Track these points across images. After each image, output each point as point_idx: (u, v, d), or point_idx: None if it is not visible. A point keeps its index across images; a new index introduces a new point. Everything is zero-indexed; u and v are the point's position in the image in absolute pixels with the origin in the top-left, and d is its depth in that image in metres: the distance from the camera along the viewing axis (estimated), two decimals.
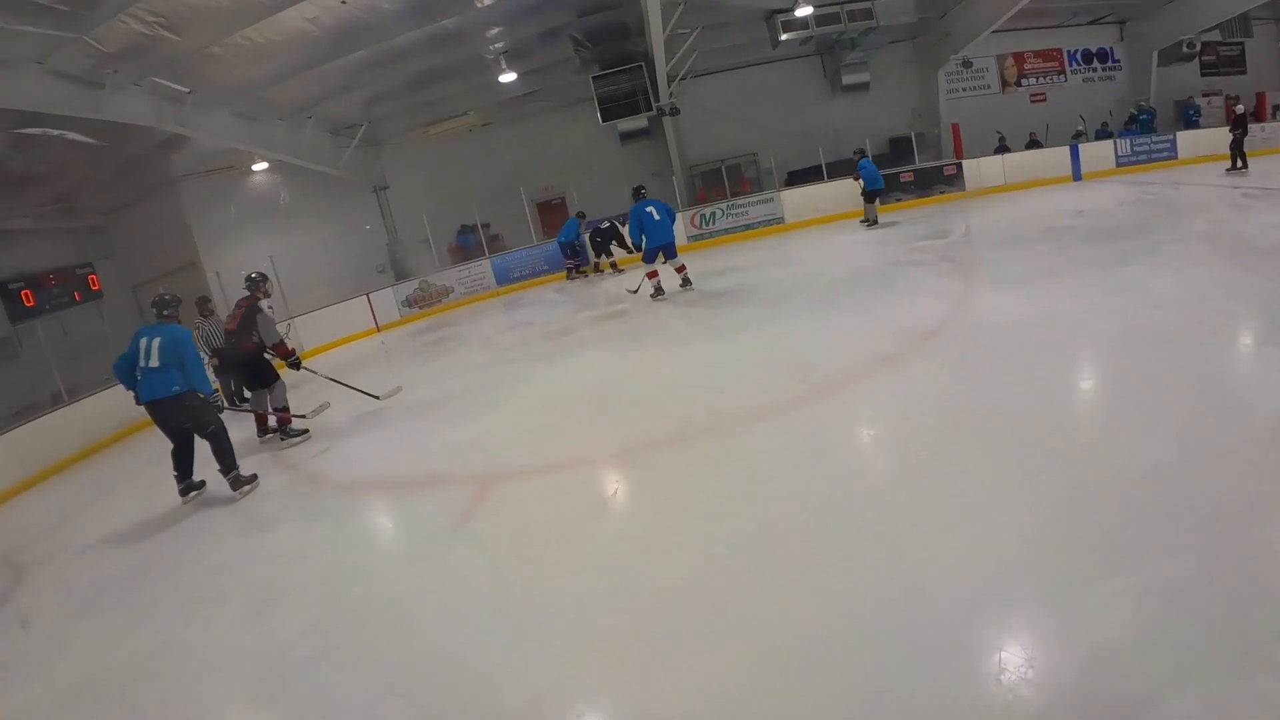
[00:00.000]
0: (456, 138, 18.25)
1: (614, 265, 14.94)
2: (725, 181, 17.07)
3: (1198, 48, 17.56)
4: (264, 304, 7.07)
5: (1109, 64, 18.70)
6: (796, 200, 15.42)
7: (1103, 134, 17.25)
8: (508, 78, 14.63)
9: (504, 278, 15.71)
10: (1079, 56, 18.58)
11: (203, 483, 5.84)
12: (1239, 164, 13.45)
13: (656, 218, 9.95)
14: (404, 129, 17.80)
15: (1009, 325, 5.84)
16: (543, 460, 5.06)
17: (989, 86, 18.37)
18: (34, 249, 15.48)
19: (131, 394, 5.58)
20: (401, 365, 10.31)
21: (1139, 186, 13.04)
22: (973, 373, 4.96)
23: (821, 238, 13.71)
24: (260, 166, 16.73)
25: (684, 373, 6.53)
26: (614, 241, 14.62)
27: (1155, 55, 17.94)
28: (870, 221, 13.62)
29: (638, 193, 10.39)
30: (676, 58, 14.64)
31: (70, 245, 16.57)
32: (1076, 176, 15.48)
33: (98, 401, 9.60)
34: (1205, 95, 18.61)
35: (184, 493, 5.75)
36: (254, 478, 5.79)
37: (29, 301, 15.02)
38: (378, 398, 7.36)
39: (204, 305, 9.18)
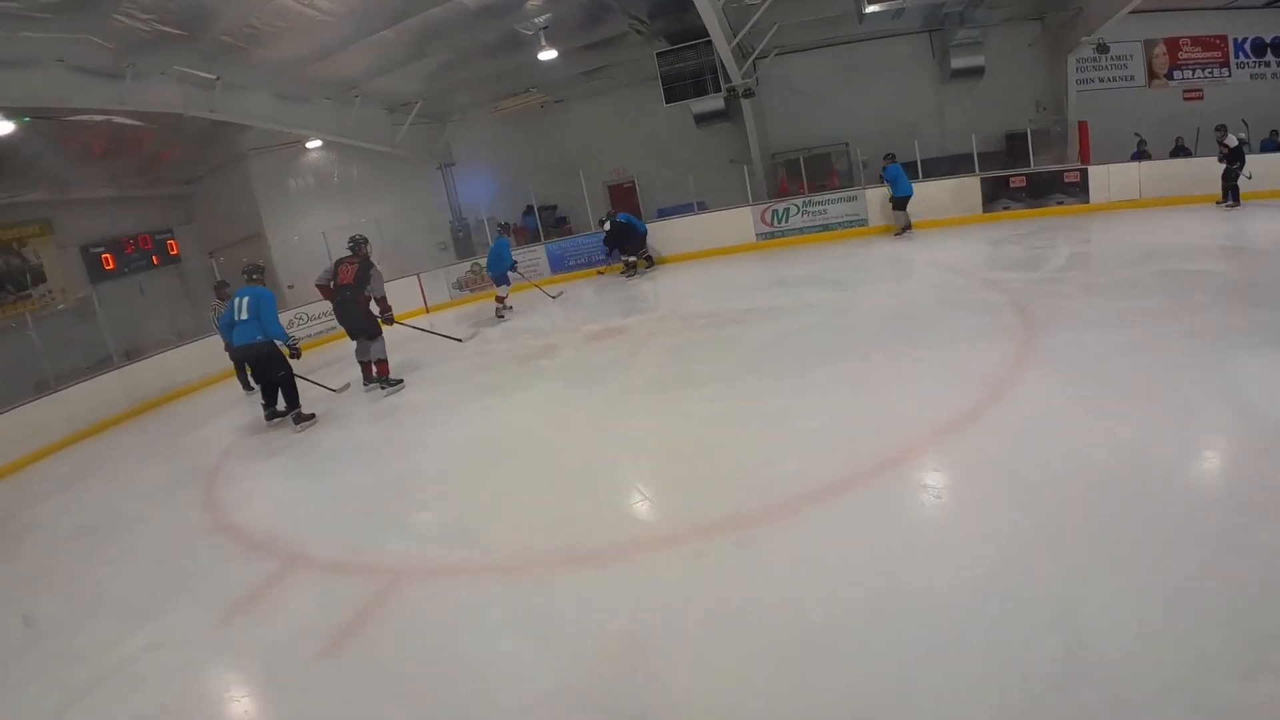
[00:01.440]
0: (526, 115, 17.47)
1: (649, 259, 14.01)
2: (803, 173, 15.35)
3: None
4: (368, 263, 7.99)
5: None
6: (883, 200, 13.62)
7: (1270, 144, 14.44)
8: (548, 55, 13.50)
9: (558, 264, 14.79)
10: (1248, 47, 15.59)
11: (285, 412, 7.40)
12: (1229, 200, 11.62)
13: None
14: (468, 104, 17.12)
15: (1025, 457, 3.94)
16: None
17: (1132, 78, 15.69)
18: (121, 216, 16.12)
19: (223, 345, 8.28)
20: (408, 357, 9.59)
21: None
22: (917, 541, 3.35)
23: (895, 250, 11.96)
24: (315, 144, 16.50)
25: (612, 441, 5.36)
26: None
27: None
28: (904, 228, 12.84)
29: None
30: (745, 31, 13.08)
31: (155, 211, 17.07)
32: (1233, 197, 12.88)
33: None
34: None
35: (269, 418, 7.43)
36: (313, 416, 7.32)
37: (109, 264, 15.58)
38: (460, 340, 9.45)
39: (222, 289, 9.68)
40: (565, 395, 6.88)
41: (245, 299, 7.01)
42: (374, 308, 7.98)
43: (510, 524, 4.19)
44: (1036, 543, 3.08)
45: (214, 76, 11.78)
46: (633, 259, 13.63)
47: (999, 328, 6.47)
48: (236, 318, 7.02)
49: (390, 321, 8.07)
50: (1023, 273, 8.95)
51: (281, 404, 7.42)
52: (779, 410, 5.23)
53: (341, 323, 8.23)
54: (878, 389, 5.39)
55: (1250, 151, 13.36)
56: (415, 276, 14.55)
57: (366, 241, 8.19)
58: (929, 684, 2.40)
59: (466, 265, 14.89)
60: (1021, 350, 5.73)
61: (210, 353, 10.71)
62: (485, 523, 4.31)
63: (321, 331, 12.59)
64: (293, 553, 4.29)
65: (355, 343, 8.21)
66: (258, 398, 9.06)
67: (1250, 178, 11.62)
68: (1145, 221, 11.58)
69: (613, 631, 2.99)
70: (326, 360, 10.56)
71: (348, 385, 8.21)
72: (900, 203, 12.83)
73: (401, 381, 8.15)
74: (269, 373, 7.23)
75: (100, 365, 10.54)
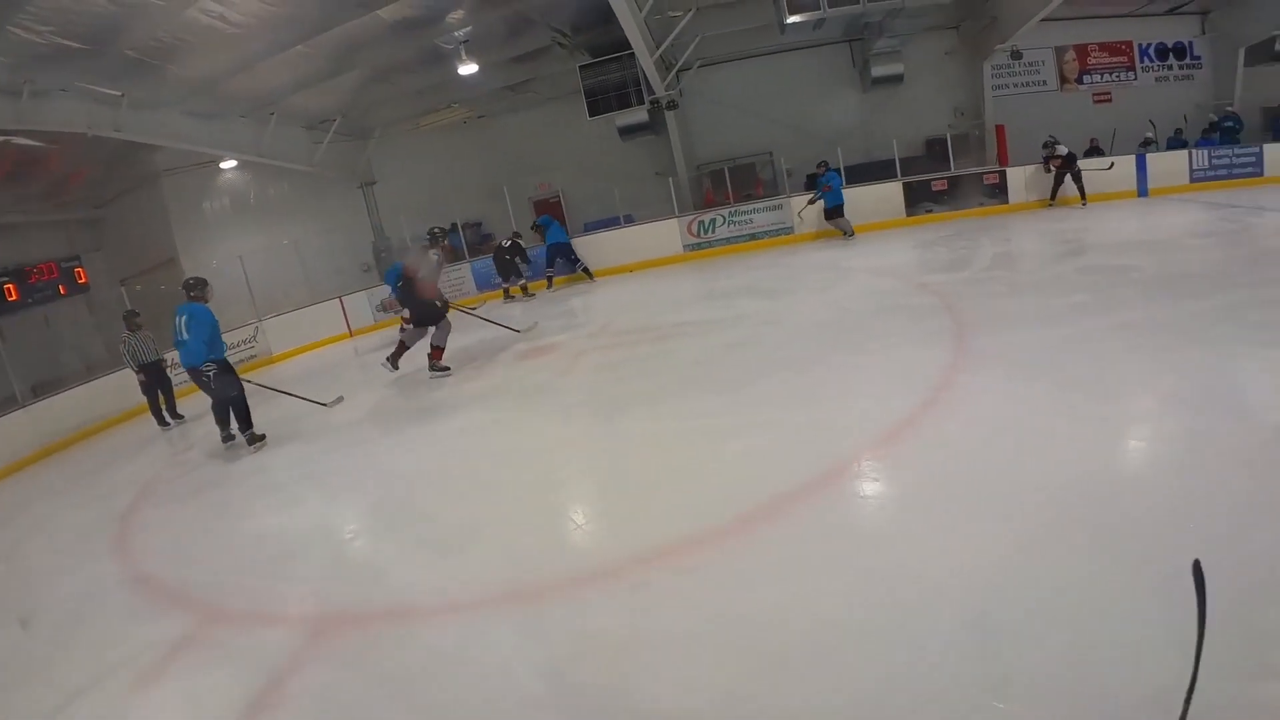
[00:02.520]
0: (450, 130, 17.12)
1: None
2: (729, 184, 15.36)
3: None
4: (434, 254, 8.34)
5: (1188, 61, 16.18)
6: (807, 208, 13.69)
7: (1176, 143, 14.98)
8: (469, 69, 13.24)
9: (484, 283, 14.51)
10: (1153, 52, 16.17)
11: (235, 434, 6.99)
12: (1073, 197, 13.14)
13: None
14: (389, 120, 16.72)
15: (979, 463, 3.76)
16: None
17: (1045, 83, 16.10)
18: (25, 242, 15.22)
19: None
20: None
21: (1216, 210, 10.82)
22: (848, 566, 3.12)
23: (825, 256, 11.97)
24: (230, 164, 15.92)
25: (547, 468, 5.01)
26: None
27: (1242, 53, 15.40)
28: (848, 233, 13.25)
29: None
30: (668, 43, 13.07)
31: (61, 237, 16.24)
32: (1142, 193, 13.31)
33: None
34: None
35: (225, 440, 7.02)
36: (263, 437, 6.87)
37: (12, 295, 14.76)
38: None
39: (132, 320, 9.09)
40: (498, 420, 6.50)
41: (183, 317, 6.64)
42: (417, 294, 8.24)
43: (441, 564, 3.88)
44: (1014, 549, 2.92)
45: (119, 94, 11.24)
46: (521, 282, 13.77)
47: (934, 331, 6.36)
48: (179, 338, 6.68)
49: (445, 308, 8.33)
50: (951, 274, 9.01)
51: (234, 427, 6.97)
52: (717, 429, 5.00)
53: (404, 306, 8.82)
54: (817, 401, 5.20)
55: (1158, 148, 14.07)
56: (338, 299, 14.13)
57: (444, 234, 8.83)
58: (899, 705, 2.25)
59: (389, 287, 14.49)
60: (958, 353, 5.66)
61: (125, 386, 10.02)
62: (415, 564, 3.97)
63: (242, 360, 12.09)
64: (209, 606, 3.93)
65: (401, 330, 8.94)
66: (176, 432, 8.84)
67: (1110, 167, 13.06)
68: (1063, 219, 11.92)
69: (551, 671, 2.76)
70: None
71: (340, 398, 7.99)
72: (833, 212, 13.05)
73: (449, 369, 8.29)
74: (219, 394, 6.80)
75: (4, 404, 9.77)
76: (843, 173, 13.61)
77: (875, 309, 7.87)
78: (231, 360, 9.88)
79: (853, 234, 13.20)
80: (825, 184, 13.07)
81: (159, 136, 12.93)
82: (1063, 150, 13.06)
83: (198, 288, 6.89)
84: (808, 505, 3.65)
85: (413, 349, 8.59)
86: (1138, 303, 6.33)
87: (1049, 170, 13.26)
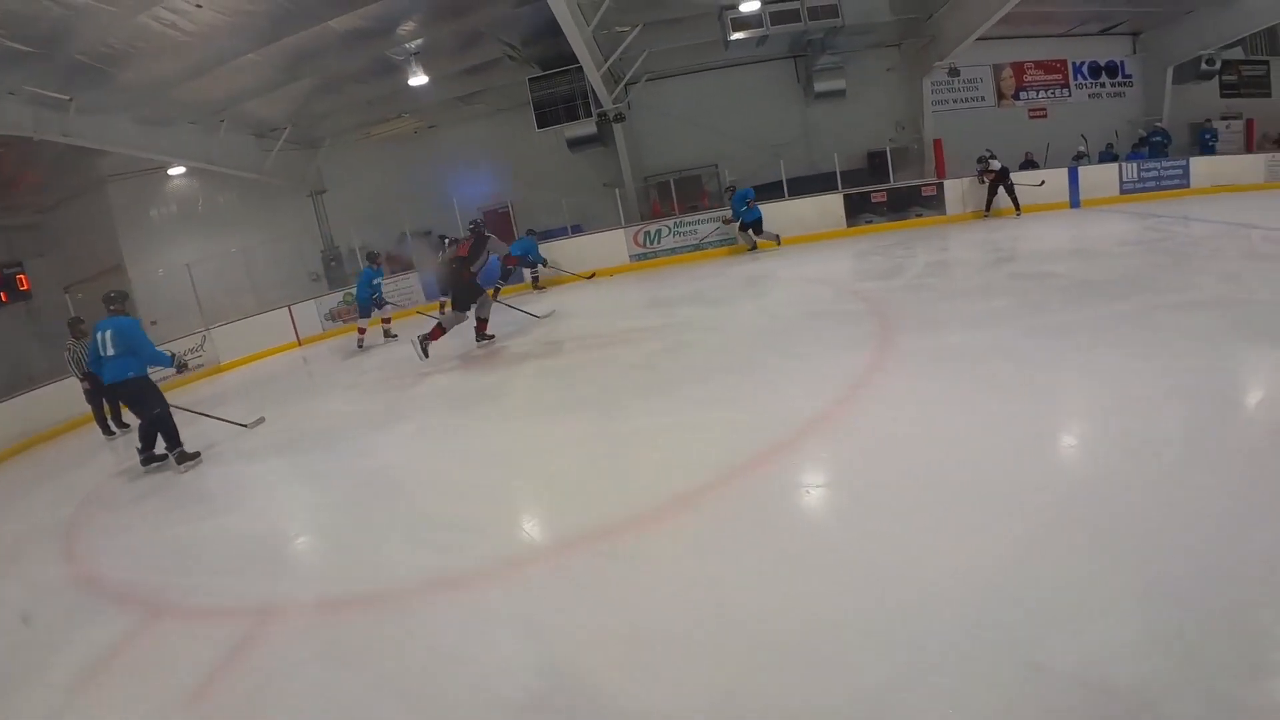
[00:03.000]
0: (399, 140, 17.17)
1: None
2: (674, 195, 15.66)
3: (1218, 65, 15.64)
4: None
5: (1119, 79, 16.90)
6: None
7: (1107, 156, 15.59)
8: (419, 80, 13.36)
9: (434, 293, 14.58)
10: (1086, 70, 16.82)
11: (164, 455, 6.63)
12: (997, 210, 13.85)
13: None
14: (339, 130, 16.73)
15: (872, 453, 4.09)
16: None
17: (983, 99, 16.66)
18: None
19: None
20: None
21: (1144, 220, 11.33)
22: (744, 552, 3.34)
23: (764, 267, 12.25)
24: (178, 171, 15.81)
25: (488, 471, 5.13)
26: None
27: (1170, 72, 16.14)
28: (752, 246, 13.81)
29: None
30: (615, 57, 13.33)
31: (2, 244, 15.93)
32: (1074, 204, 13.90)
33: None
34: (1224, 118, 16.60)
35: (145, 463, 6.66)
36: (197, 455, 6.60)
37: None
38: (245, 426, 7.35)
39: (77, 327, 9.03)
40: (442, 425, 6.60)
41: (107, 332, 6.37)
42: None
43: (388, 561, 3.98)
44: (894, 527, 3.18)
45: (68, 98, 11.09)
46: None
47: (860, 338, 6.57)
48: (102, 354, 6.40)
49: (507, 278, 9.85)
50: (885, 281, 9.36)
51: (161, 446, 6.67)
52: (656, 429, 5.19)
53: (447, 287, 9.57)
54: (751, 402, 5.41)
55: (1090, 162, 14.69)
56: (286, 308, 14.09)
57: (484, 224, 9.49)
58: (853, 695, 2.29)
59: (339, 296, 14.51)
60: (881, 352, 5.97)
61: (69, 396, 9.83)
62: (363, 560, 4.06)
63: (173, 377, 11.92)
64: (156, 603, 4.01)
65: (440, 314, 9.88)
66: (122, 442, 8.60)
67: (1041, 184, 13.65)
68: (997, 229, 12.38)
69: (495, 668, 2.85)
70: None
71: (261, 419, 7.48)
72: (748, 225, 13.55)
73: (493, 337, 9.22)
74: (142, 412, 6.55)
75: None
76: (784, 185, 14.09)
77: (814, 313, 8.18)
78: (168, 371, 9.81)
79: (754, 248, 13.85)
80: (749, 199, 13.60)
81: (107, 142, 12.80)
82: (996, 165, 13.58)
83: (118, 300, 6.69)
84: (717, 496, 3.88)
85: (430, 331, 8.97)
86: (1058, 307, 6.66)
87: (983, 183, 13.74)
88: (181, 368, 7.02)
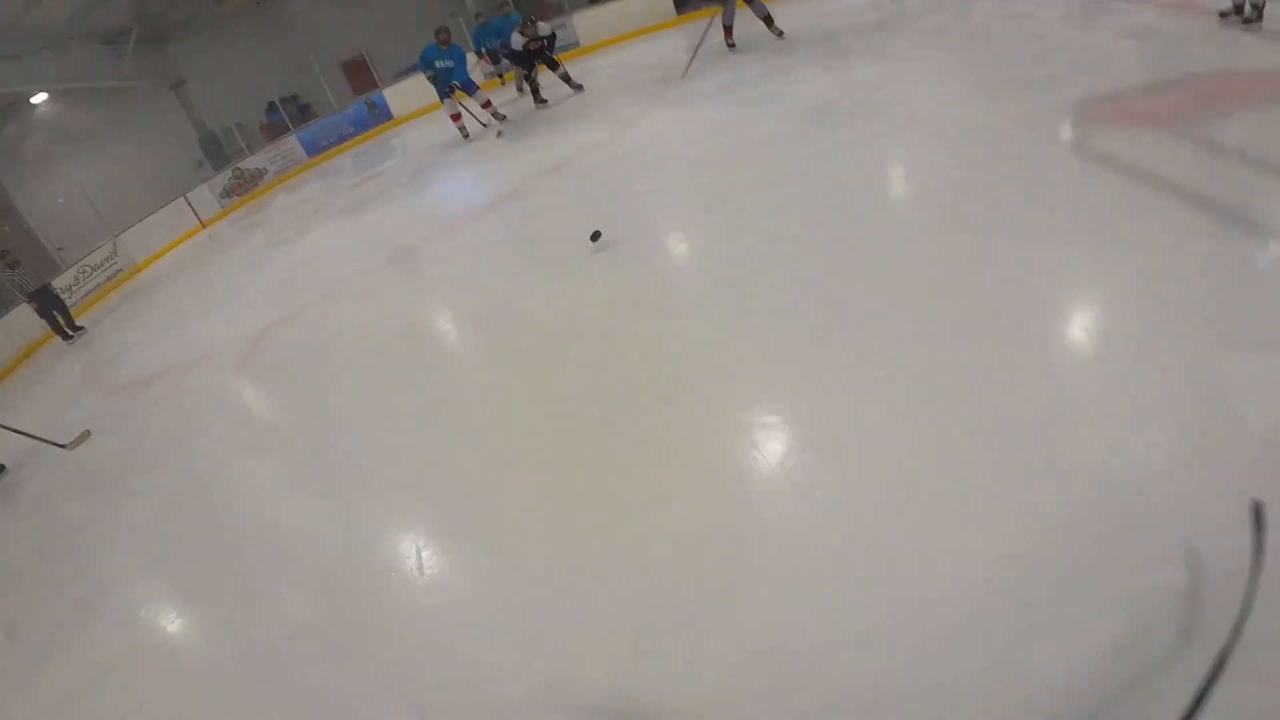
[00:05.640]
0: (247, 16, 17.56)
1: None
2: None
3: None
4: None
5: None
6: (589, 23, 15.07)
7: None
8: None
9: (313, 149, 15.65)
10: None
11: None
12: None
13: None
14: (186, 19, 17.04)
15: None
16: None
17: None
18: None
19: None
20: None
21: None
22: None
23: (599, 66, 13.17)
24: (40, 98, 16.03)
25: None
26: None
27: None
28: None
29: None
30: None
31: None
32: None
33: None
34: None
35: None
36: (2, 468, 6.21)
37: None
38: (64, 447, 5.89)
39: (7, 257, 9.68)
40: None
41: None
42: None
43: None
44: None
45: None
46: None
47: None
48: None
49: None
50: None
51: None
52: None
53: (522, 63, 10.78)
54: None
55: None
56: (182, 198, 14.93)
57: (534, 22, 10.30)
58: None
59: (228, 173, 15.41)
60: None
61: (17, 323, 10.47)
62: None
63: (100, 285, 12.72)
64: None
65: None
66: (82, 342, 9.65)
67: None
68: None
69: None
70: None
71: (86, 434, 6.06)
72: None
73: (582, 86, 11.04)
74: None
75: None
76: None
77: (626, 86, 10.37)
78: (94, 283, 11.57)
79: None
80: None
81: None
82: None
83: None
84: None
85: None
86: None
87: None
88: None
